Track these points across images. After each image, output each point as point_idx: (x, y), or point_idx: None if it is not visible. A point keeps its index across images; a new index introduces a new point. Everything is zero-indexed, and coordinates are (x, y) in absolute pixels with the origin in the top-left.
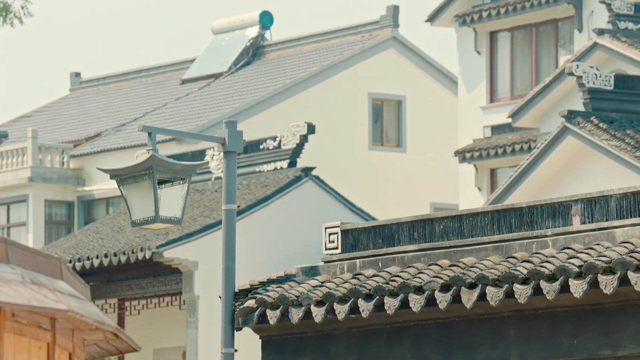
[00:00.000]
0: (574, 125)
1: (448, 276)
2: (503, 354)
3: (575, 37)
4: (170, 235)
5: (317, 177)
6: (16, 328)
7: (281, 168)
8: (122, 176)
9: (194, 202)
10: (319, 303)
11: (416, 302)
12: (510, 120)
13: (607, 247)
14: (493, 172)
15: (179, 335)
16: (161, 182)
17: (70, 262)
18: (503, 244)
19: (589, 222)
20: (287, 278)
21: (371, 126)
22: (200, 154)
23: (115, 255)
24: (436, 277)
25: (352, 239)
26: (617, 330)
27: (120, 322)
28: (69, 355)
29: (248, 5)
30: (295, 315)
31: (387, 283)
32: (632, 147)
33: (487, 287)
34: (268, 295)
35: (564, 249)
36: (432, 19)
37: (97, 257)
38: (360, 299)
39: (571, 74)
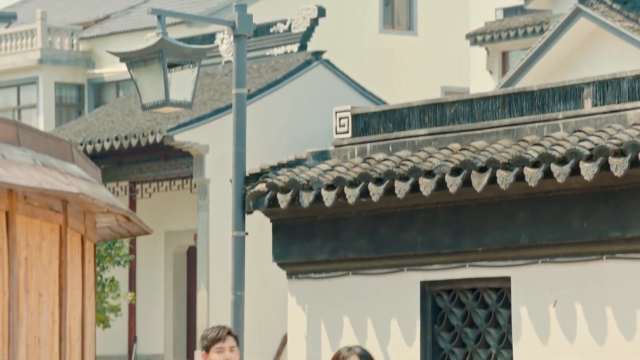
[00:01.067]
0: (587, 7)
1: (458, 160)
2: (513, 237)
3: None
4: (180, 119)
5: (328, 61)
6: (28, 210)
7: (291, 52)
8: (131, 59)
9: (204, 86)
10: (330, 187)
11: (426, 185)
12: (522, 2)
13: (619, 130)
14: (505, 55)
15: (190, 218)
16: (171, 66)
17: (81, 144)
18: (514, 127)
19: (601, 105)
20: (298, 162)
21: (382, 9)
22: (210, 38)
23: (125, 138)
24: (446, 160)
25: (362, 123)
26: (627, 212)
27: (132, 205)
28: (81, 238)
29: None
30: (306, 199)
31: (397, 167)
32: None
33: (497, 171)
34: (279, 179)
35: (575, 131)
36: None
37: (107, 140)
38: (370, 183)
39: None
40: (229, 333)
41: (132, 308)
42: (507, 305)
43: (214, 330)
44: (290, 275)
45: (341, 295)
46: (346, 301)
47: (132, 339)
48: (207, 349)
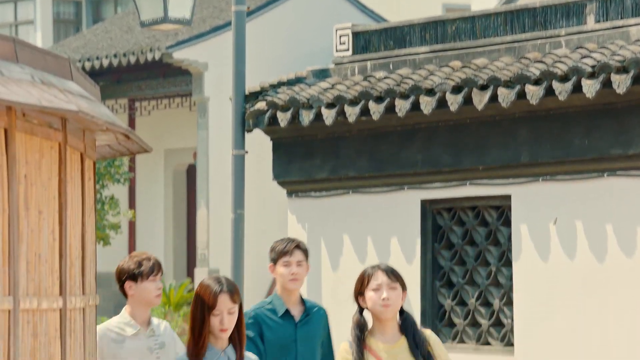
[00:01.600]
0: None
1: (459, 78)
2: (513, 155)
3: None
4: (179, 36)
5: None
6: (27, 127)
7: None
8: None
9: (203, 3)
10: (330, 105)
11: (427, 104)
12: None
13: (621, 46)
14: None
15: (190, 137)
16: None
17: (79, 61)
18: (516, 44)
19: (604, 21)
20: (298, 80)
21: None
22: None
23: (124, 55)
24: (447, 78)
25: (363, 41)
26: (629, 129)
27: (131, 123)
28: (80, 156)
29: None
30: (306, 117)
31: (398, 85)
32: None
33: (498, 89)
34: (278, 98)
35: (577, 48)
36: None
37: (106, 57)
38: (371, 101)
39: None
40: (298, 246)
41: (132, 226)
42: (507, 223)
43: (283, 242)
44: (290, 193)
45: (341, 214)
46: (346, 219)
47: None
48: (274, 262)
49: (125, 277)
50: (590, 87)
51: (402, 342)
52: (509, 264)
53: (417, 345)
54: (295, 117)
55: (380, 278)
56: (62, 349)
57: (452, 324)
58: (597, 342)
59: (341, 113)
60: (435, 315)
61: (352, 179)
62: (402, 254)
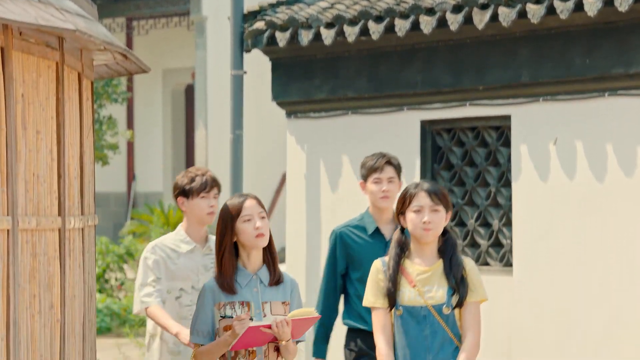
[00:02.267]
0: None
1: None
2: (514, 75)
3: None
4: None
5: None
6: (24, 47)
7: None
8: None
9: None
10: (329, 25)
11: (427, 23)
12: None
13: None
14: None
15: (188, 57)
16: None
17: None
18: None
19: None
20: (297, 0)
21: None
22: None
23: None
24: None
25: None
26: (630, 48)
27: (129, 42)
28: (78, 75)
29: None
30: (305, 37)
31: (397, 4)
32: None
33: (499, 7)
34: (277, 17)
35: None
36: None
37: None
38: (370, 21)
39: None
40: (389, 162)
41: (130, 146)
42: (507, 143)
43: (373, 158)
44: (289, 114)
45: (340, 135)
46: (345, 140)
47: (131, 176)
48: (364, 178)
49: (178, 192)
50: (592, 6)
51: (438, 265)
52: (508, 184)
53: (452, 269)
54: (294, 37)
55: (422, 200)
56: (61, 268)
57: None
58: (596, 262)
59: (340, 33)
60: None
61: (351, 99)
62: (403, 174)
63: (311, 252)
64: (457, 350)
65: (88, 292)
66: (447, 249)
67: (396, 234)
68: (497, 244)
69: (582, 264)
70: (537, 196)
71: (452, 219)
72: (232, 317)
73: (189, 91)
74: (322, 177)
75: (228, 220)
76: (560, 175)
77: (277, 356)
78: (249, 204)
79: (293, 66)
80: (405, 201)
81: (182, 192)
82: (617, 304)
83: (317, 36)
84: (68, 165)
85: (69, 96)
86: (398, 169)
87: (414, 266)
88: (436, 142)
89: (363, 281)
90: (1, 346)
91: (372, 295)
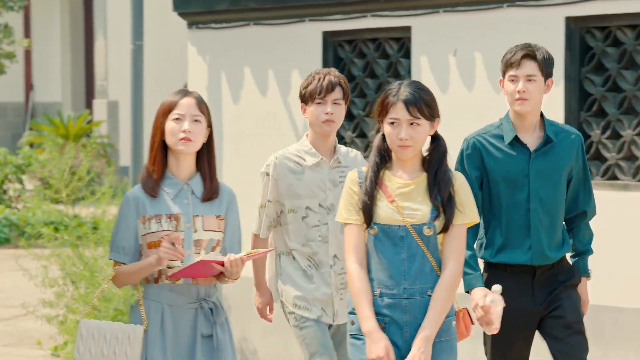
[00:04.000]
0: None
1: None
2: None
3: None
4: None
5: None
6: None
7: None
8: None
9: None
10: None
11: None
12: None
13: None
14: None
15: None
16: None
17: None
18: None
19: None
20: None
21: None
22: None
23: None
24: None
25: None
26: None
27: None
28: None
29: None
30: None
31: None
32: None
33: None
34: None
35: None
36: None
37: None
38: None
39: None
40: (528, 56)
41: (28, 55)
42: (408, 55)
43: (511, 51)
44: (190, 25)
45: (242, 46)
46: (247, 52)
47: (29, 86)
48: (503, 74)
49: (300, 97)
50: None
51: (422, 179)
52: None
53: (438, 184)
54: None
55: (399, 112)
56: None
57: None
58: None
59: None
60: None
61: (254, 10)
62: None
63: None
64: (438, 278)
65: None
66: (433, 161)
67: (376, 140)
68: None
69: None
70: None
71: (353, 131)
72: (156, 232)
73: (88, 1)
74: (224, 88)
75: (160, 116)
76: (460, 87)
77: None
78: (185, 102)
79: None
80: (382, 108)
81: (302, 98)
82: None
83: None
84: None
85: None
86: (542, 65)
87: (395, 179)
88: (338, 54)
89: None
90: None
91: (345, 210)
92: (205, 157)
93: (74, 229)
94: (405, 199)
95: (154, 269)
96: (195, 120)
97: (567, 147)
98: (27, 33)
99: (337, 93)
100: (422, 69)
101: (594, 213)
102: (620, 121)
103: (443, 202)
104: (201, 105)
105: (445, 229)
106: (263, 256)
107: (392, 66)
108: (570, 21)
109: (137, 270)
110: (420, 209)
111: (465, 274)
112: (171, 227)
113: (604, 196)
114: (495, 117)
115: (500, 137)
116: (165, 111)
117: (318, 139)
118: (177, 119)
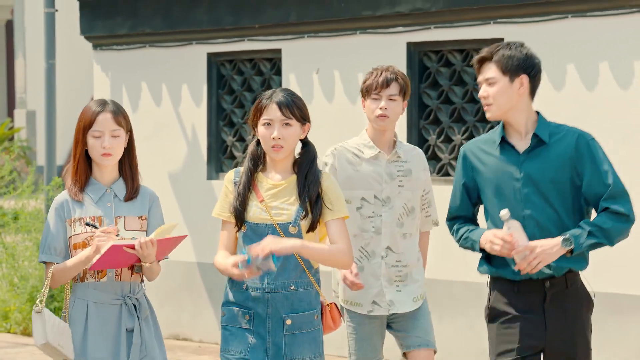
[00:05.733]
0: None
1: None
2: (284, 15)
3: None
4: None
5: None
6: None
7: None
8: None
9: None
10: None
11: None
12: None
13: None
14: None
15: None
16: None
17: None
18: None
19: None
20: None
21: None
22: None
23: None
24: None
25: None
26: None
27: None
28: None
29: None
30: None
31: None
32: None
33: None
34: None
35: None
36: None
37: None
38: None
39: None
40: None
41: None
42: (279, 72)
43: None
44: (95, 47)
45: (140, 65)
46: (144, 69)
47: None
48: (363, 96)
49: (361, 92)
50: None
51: (292, 180)
52: None
53: (306, 186)
54: None
55: (272, 112)
56: None
57: (233, 157)
58: None
59: None
60: (219, 149)
61: (149, 34)
62: (192, 98)
63: None
64: (303, 274)
65: None
66: (303, 163)
67: (251, 146)
68: None
69: None
70: None
71: (234, 135)
72: (80, 234)
73: (9, 25)
74: (125, 100)
75: (80, 130)
76: (321, 99)
77: (131, 275)
78: (102, 118)
79: (99, 5)
80: (257, 112)
81: (361, 92)
82: None
83: None
84: None
85: None
86: (404, 87)
87: (266, 180)
88: (220, 72)
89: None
90: None
91: (220, 207)
92: (127, 161)
93: None
94: (274, 199)
95: (90, 260)
96: (114, 136)
97: (566, 147)
98: None
99: (393, 89)
100: (291, 84)
101: (629, 217)
102: (451, 128)
103: (311, 203)
104: (118, 117)
105: (312, 227)
106: None
107: (266, 82)
108: (411, 45)
109: (73, 265)
110: (288, 209)
111: (465, 238)
112: (109, 227)
113: (438, 191)
114: (351, 125)
115: (491, 142)
116: (86, 127)
117: (375, 133)
118: (96, 136)
